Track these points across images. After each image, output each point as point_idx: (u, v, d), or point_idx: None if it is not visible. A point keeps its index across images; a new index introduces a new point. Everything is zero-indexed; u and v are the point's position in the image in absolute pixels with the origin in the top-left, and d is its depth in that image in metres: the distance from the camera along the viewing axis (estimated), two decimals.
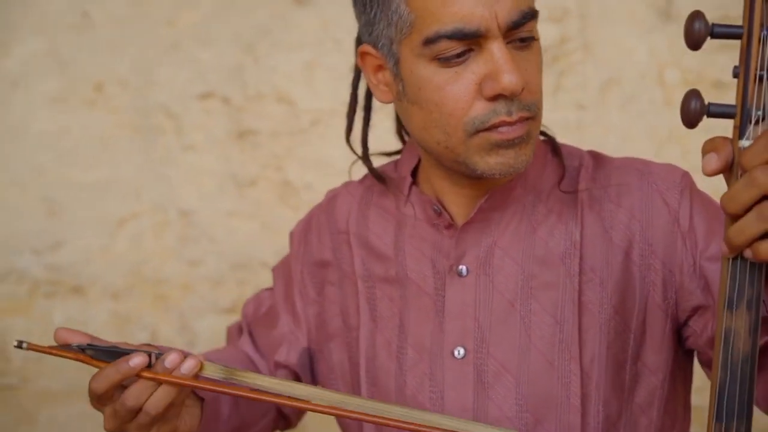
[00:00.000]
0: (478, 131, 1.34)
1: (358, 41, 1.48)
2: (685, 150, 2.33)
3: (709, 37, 1.11)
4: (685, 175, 1.46)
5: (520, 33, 1.34)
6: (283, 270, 1.63)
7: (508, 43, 1.34)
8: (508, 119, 1.33)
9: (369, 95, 1.56)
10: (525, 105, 1.35)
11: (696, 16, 1.10)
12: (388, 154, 1.61)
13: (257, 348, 1.61)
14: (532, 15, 1.35)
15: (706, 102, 1.11)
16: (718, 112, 1.11)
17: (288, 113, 2.27)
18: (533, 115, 1.36)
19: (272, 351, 1.59)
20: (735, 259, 1.11)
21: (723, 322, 1.12)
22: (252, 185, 2.36)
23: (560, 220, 1.45)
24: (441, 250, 1.46)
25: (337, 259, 1.55)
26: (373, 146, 1.55)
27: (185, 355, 1.32)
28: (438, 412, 1.41)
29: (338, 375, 1.55)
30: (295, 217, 2.28)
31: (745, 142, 1.09)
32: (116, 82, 2.45)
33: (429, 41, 1.33)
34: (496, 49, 1.32)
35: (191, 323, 2.38)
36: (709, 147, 1.11)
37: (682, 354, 1.48)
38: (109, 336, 1.52)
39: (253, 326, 1.63)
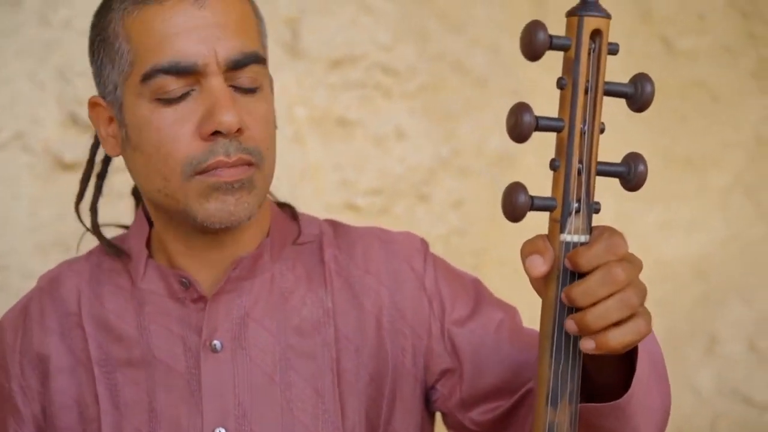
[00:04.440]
0: (195, 173, 1.31)
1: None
2: (318, 188, 2.37)
3: (534, 130, 1.14)
4: (423, 241, 1.50)
5: (242, 77, 1.33)
6: None
7: (232, 87, 1.33)
8: (225, 159, 1.31)
9: (106, 161, 1.49)
10: (246, 148, 1.32)
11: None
12: (123, 226, 1.53)
13: None
14: (255, 59, 1.34)
15: (529, 197, 1.12)
16: (541, 205, 1.13)
17: None
18: (256, 161, 1.33)
19: None
20: (558, 356, 1.12)
21: (546, 417, 1.13)
22: None
23: (310, 288, 1.43)
24: (190, 325, 1.39)
25: (67, 345, 1.41)
26: None
27: None
28: None
29: None
30: None
31: (566, 236, 1.13)
32: None
33: (147, 77, 1.30)
34: (215, 85, 1.31)
35: None
36: (530, 249, 1.12)
37: (427, 417, 1.50)
38: None
39: None
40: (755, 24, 2.66)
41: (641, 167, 1.15)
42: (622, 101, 2.75)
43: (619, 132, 2.65)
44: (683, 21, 2.65)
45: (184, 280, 1.39)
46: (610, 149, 2.61)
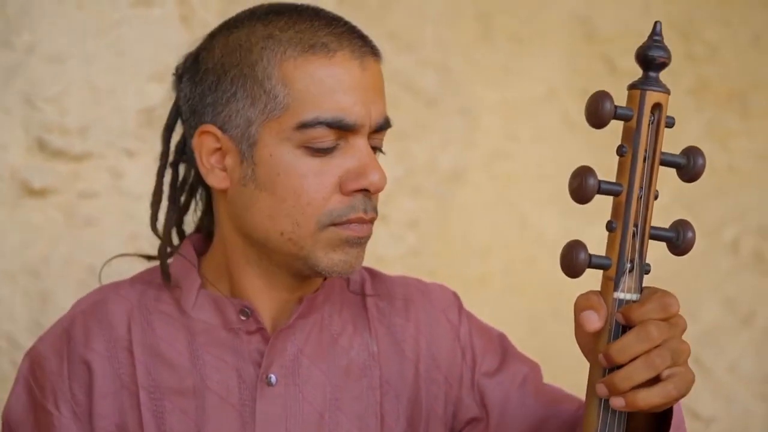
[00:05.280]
0: (331, 224, 1.37)
1: (173, 118, 1.49)
2: None
3: (596, 194, 1.18)
4: (456, 294, 1.57)
5: (377, 138, 1.42)
6: (36, 406, 1.44)
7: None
8: (364, 216, 1.38)
9: (174, 184, 1.50)
10: (375, 207, 1.41)
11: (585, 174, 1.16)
12: (146, 257, 1.55)
13: None
14: (389, 123, 1.44)
15: (588, 255, 1.18)
16: (598, 263, 1.18)
17: None
18: (376, 218, 1.42)
19: None
20: (606, 409, 1.19)
21: None
22: None
23: (356, 331, 1.48)
24: (243, 356, 1.42)
25: (113, 369, 1.42)
26: None
27: None
28: None
29: None
30: None
31: (620, 294, 1.18)
32: None
33: (305, 125, 1.35)
34: (364, 145, 1.38)
35: None
36: (585, 304, 1.20)
37: None
38: None
39: None
40: (694, 44, 2.73)
41: (689, 234, 1.22)
42: (561, 116, 2.79)
43: (560, 148, 2.72)
44: (625, 41, 2.71)
45: (246, 309, 1.42)
46: (550, 164, 2.67)
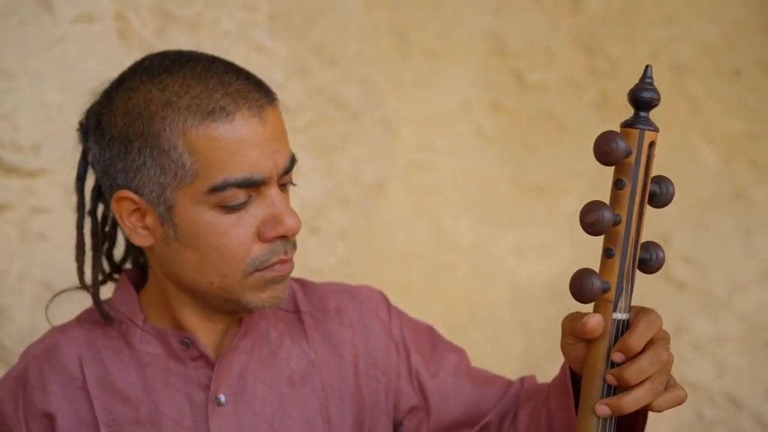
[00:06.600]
0: (256, 270, 1.44)
1: (83, 169, 1.53)
2: None
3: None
4: (382, 293, 1.68)
5: (287, 177, 1.48)
6: None
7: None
8: (285, 258, 1.46)
9: (95, 234, 1.56)
10: (294, 243, 1.49)
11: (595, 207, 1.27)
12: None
13: None
14: (295, 161, 1.50)
15: (601, 282, 1.29)
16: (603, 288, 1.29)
17: None
18: (296, 250, 1.51)
19: None
20: (604, 421, 1.29)
21: None
22: None
23: (294, 342, 1.57)
24: (191, 381, 1.50)
25: (71, 408, 1.48)
26: None
27: None
28: None
29: None
30: None
31: (617, 315, 1.30)
32: None
33: (216, 189, 1.41)
34: (275, 194, 1.45)
35: None
36: (583, 317, 1.31)
37: None
38: None
39: None
40: (597, 59, 2.87)
41: (660, 254, 1.33)
42: (474, 128, 2.88)
43: (475, 160, 2.82)
44: (533, 55, 2.83)
45: (186, 340, 1.50)
46: (465, 174, 2.78)
